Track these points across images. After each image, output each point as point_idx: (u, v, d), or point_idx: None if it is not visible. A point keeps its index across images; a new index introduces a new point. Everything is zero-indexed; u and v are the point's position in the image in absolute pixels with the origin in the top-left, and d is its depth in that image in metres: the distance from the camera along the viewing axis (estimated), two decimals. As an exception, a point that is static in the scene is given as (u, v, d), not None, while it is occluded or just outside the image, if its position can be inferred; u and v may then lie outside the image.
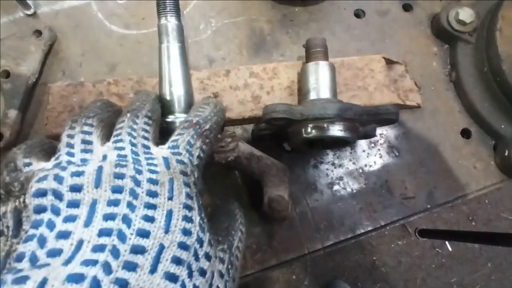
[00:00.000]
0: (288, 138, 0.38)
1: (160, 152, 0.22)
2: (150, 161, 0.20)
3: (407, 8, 0.52)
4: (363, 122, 0.34)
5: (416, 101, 0.46)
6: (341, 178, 0.43)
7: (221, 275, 0.19)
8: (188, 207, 0.19)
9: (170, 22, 0.33)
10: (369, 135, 0.40)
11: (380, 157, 0.45)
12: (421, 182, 0.44)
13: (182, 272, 0.16)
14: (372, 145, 0.45)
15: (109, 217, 0.17)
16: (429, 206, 0.44)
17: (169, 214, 0.18)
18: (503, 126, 0.45)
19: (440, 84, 0.48)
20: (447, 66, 0.49)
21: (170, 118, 0.33)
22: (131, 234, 0.16)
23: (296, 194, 0.42)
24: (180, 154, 0.22)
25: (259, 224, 0.41)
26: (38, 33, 0.45)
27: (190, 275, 0.17)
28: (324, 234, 0.41)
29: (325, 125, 0.33)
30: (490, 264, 1.68)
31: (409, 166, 0.45)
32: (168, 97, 0.33)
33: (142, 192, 0.18)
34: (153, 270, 0.16)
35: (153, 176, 0.19)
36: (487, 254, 1.69)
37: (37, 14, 0.47)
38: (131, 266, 0.15)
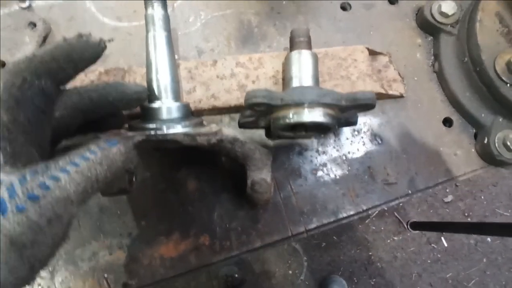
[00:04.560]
0: (270, 125, 0.40)
1: None
2: None
3: (392, 1, 0.53)
4: (342, 108, 0.35)
5: (399, 90, 0.47)
6: (324, 165, 0.45)
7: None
8: None
9: (157, 12, 0.34)
10: (351, 122, 0.42)
11: (363, 144, 0.46)
12: (403, 169, 0.46)
13: None
14: (356, 133, 0.46)
15: None
16: (410, 191, 0.45)
17: None
18: (483, 115, 0.46)
19: (423, 75, 0.50)
20: (430, 57, 0.51)
21: (157, 104, 0.35)
22: None
23: (281, 179, 0.44)
24: None
25: (244, 208, 0.43)
26: (33, 25, 0.46)
27: None
28: (307, 218, 0.43)
29: (305, 110, 0.34)
30: (486, 259, 1.69)
31: (391, 153, 0.46)
32: (154, 83, 0.35)
33: None
34: None
35: None
36: (483, 249, 1.70)
37: (32, 7, 0.48)
38: None
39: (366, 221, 1.66)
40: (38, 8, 0.48)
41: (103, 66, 0.46)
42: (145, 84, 0.35)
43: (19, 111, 0.22)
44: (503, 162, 0.45)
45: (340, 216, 0.43)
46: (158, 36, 0.34)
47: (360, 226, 1.66)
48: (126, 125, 0.35)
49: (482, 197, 1.78)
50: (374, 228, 1.67)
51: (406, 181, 0.45)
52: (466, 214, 1.75)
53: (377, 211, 1.66)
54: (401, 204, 1.69)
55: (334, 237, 1.62)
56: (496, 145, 0.44)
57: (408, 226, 1.58)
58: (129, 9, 0.49)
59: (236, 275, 1.42)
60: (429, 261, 1.66)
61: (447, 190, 1.76)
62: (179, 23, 0.48)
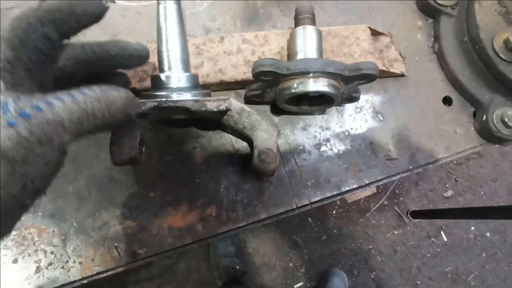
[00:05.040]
0: (276, 98, 0.41)
1: None
2: None
3: (394, -15, 0.55)
4: (345, 78, 0.37)
5: (400, 69, 0.49)
6: (328, 140, 0.46)
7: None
8: None
9: (167, -17, 0.36)
10: (354, 97, 0.43)
11: (366, 121, 0.47)
12: (404, 145, 0.47)
13: None
14: (358, 110, 0.48)
15: None
16: (411, 167, 0.46)
17: None
18: (481, 93, 0.48)
19: (424, 55, 0.51)
20: (431, 38, 0.52)
21: (167, 73, 0.36)
22: None
23: (286, 153, 0.45)
24: None
25: (250, 181, 0.44)
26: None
27: None
28: (311, 191, 0.44)
29: (310, 80, 0.36)
30: (485, 254, 1.70)
31: (392, 130, 0.47)
32: (165, 54, 0.36)
33: None
34: None
35: None
36: (482, 244, 1.71)
37: (43, -13, 0.50)
38: None
39: (367, 215, 1.68)
40: (49, -12, 0.50)
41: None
42: (156, 60, 0.36)
43: (22, 50, 0.24)
44: (501, 139, 0.46)
45: (343, 189, 0.44)
46: (169, 7, 0.36)
47: (360, 219, 1.67)
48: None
49: (482, 192, 1.79)
50: (374, 222, 1.68)
51: (407, 157, 0.46)
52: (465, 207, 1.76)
53: (377, 205, 1.67)
54: (401, 198, 1.70)
55: (334, 230, 1.64)
56: (495, 121, 0.45)
57: (409, 215, 1.59)
58: (138, -11, 0.50)
59: (237, 267, 1.43)
60: (428, 255, 1.67)
61: (447, 185, 1.77)
62: (186, 3, 0.50)
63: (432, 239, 1.69)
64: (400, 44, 0.51)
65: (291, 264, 1.58)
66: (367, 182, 0.45)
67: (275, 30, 0.50)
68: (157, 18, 0.36)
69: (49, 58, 0.27)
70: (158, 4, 0.36)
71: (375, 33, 0.49)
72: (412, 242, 1.68)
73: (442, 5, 0.50)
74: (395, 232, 1.69)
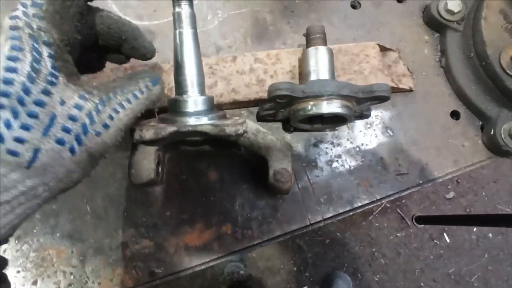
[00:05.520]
0: (289, 118, 0.42)
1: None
2: None
3: (400, -1, 0.56)
4: (358, 99, 0.37)
5: (408, 84, 0.49)
6: (339, 156, 0.47)
7: (73, 118, 0.22)
8: (13, 58, 0.21)
9: (184, 10, 0.36)
10: (365, 115, 0.44)
11: (376, 136, 0.48)
12: (413, 160, 0.48)
13: (5, 114, 0.20)
14: (368, 125, 0.49)
15: None
16: (421, 181, 0.47)
17: None
18: (489, 107, 0.48)
19: (431, 70, 0.52)
20: (437, 53, 0.53)
21: (184, 97, 0.37)
22: None
23: (298, 170, 0.46)
24: (16, 9, 0.22)
25: (264, 198, 0.45)
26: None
27: (15, 115, 0.20)
28: (324, 207, 0.45)
29: (324, 102, 0.37)
30: (487, 255, 1.72)
31: (402, 145, 0.48)
32: (182, 77, 0.37)
33: None
34: None
35: None
36: (484, 245, 1.72)
37: None
38: None
39: (369, 218, 1.68)
40: None
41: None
42: (171, 80, 0.37)
43: (64, 30, 0.24)
44: (509, 153, 0.47)
45: (355, 205, 0.45)
46: (185, 33, 0.36)
47: (363, 222, 1.68)
48: (157, 117, 0.37)
49: (483, 194, 1.80)
50: (377, 224, 1.69)
51: (417, 172, 0.47)
52: (467, 210, 1.77)
53: (380, 208, 1.68)
54: (403, 201, 1.71)
55: (337, 233, 1.64)
56: (502, 136, 0.46)
57: (414, 221, 1.60)
58: (149, 8, 0.51)
59: (242, 272, 1.43)
60: (431, 257, 1.68)
61: (449, 187, 1.78)
62: (197, 21, 0.49)
63: (435, 241, 1.71)
64: (407, 59, 0.52)
65: (295, 268, 1.59)
66: (378, 197, 0.46)
67: (285, 46, 0.51)
68: (174, 43, 0.37)
69: (81, 31, 0.27)
70: (175, 29, 0.37)
71: (383, 49, 0.50)
72: (415, 244, 1.69)
73: (448, 20, 0.51)
74: (398, 234, 1.70)
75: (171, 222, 0.43)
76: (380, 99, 0.37)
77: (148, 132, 0.33)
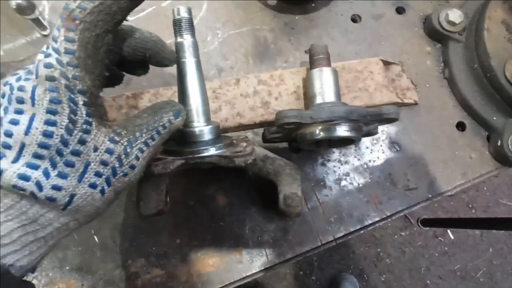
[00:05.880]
0: (296, 139, 0.42)
1: (39, 58, 0.23)
2: (27, 70, 0.23)
3: (400, 10, 0.55)
4: (366, 122, 0.37)
5: (413, 98, 0.49)
6: (347, 174, 0.47)
7: (104, 163, 0.24)
8: (52, 112, 0.21)
9: (186, 40, 0.36)
10: (372, 133, 0.43)
11: (383, 152, 0.48)
12: (421, 174, 0.48)
13: (44, 163, 0.21)
14: (375, 141, 0.48)
15: None
16: (430, 195, 0.47)
17: (32, 118, 0.21)
18: (495, 118, 0.48)
19: (434, 81, 0.52)
20: (440, 63, 0.53)
21: (191, 128, 0.36)
22: (1, 134, 0.21)
23: (307, 190, 0.45)
24: (49, 55, 0.22)
25: (274, 221, 0.44)
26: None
27: (53, 165, 0.22)
28: (335, 227, 0.45)
29: (333, 127, 0.36)
30: (492, 249, 1.72)
31: (409, 159, 0.48)
32: (187, 109, 0.36)
33: (15, 99, 0.22)
34: (16, 159, 0.21)
35: (23, 83, 0.22)
36: (488, 240, 1.73)
37: (53, 34, 0.49)
38: None
39: (373, 218, 1.69)
40: (59, 35, 0.50)
41: (127, 88, 0.48)
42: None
43: (96, 74, 0.24)
44: (517, 162, 0.47)
45: (366, 223, 0.45)
46: (188, 63, 0.36)
47: (367, 223, 1.68)
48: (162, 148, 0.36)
49: (485, 188, 1.81)
50: (381, 224, 1.69)
51: (426, 186, 0.47)
52: (470, 206, 1.78)
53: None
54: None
55: (342, 236, 1.64)
56: (510, 147, 0.46)
57: (419, 224, 1.60)
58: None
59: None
60: (436, 254, 1.69)
61: (450, 183, 1.79)
62: (197, 43, 0.50)
63: (439, 238, 1.71)
64: (411, 71, 0.51)
65: (301, 272, 1.59)
66: (388, 214, 0.46)
67: (287, 65, 0.50)
68: (177, 73, 0.36)
69: (109, 65, 0.27)
70: (179, 59, 0.36)
71: (386, 63, 0.49)
72: (420, 243, 1.70)
73: (450, 31, 0.51)
74: (402, 233, 1.70)
75: (181, 249, 0.43)
76: (388, 121, 0.37)
77: (157, 167, 0.33)
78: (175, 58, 0.34)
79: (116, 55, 0.29)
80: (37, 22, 0.48)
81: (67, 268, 0.42)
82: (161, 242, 0.43)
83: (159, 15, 0.52)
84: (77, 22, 0.22)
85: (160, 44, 0.31)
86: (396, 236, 1.69)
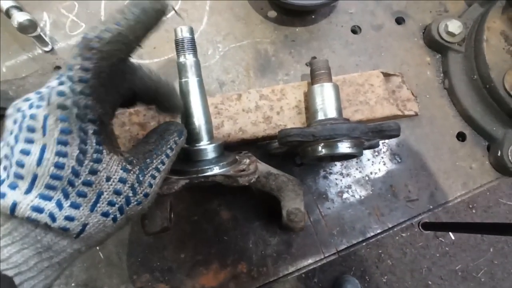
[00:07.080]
0: (298, 154, 0.42)
1: (52, 85, 0.22)
2: (39, 95, 0.22)
3: (399, 21, 0.56)
4: (368, 138, 0.37)
5: (413, 109, 0.50)
6: (349, 186, 0.47)
7: (118, 192, 0.24)
8: (63, 143, 0.21)
9: (188, 59, 0.36)
10: (373, 146, 0.44)
11: (384, 164, 0.48)
12: (423, 185, 0.48)
13: (56, 194, 0.22)
14: (376, 153, 0.49)
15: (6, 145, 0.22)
16: (431, 206, 0.47)
17: (43, 149, 0.21)
18: (494, 128, 0.49)
19: (434, 92, 0.52)
20: (440, 74, 0.53)
21: (195, 147, 0.37)
22: (13, 163, 0.21)
23: (309, 204, 0.46)
24: (63, 83, 0.22)
25: (277, 235, 0.45)
26: (59, 69, 0.48)
27: (66, 196, 0.22)
28: (337, 239, 0.45)
29: (335, 144, 0.37)
30: (492, 249, 1.73)
31: (411, 170, 0.48)
32: (190, 127, 0.36)
33: (26, 127, 0.22)
34: (28, 190, 0.21)
35: (34, 111, 0.22)
36: (489, 240, 1.74)
37: (54, 50, 0.50)
38: (12, 186, 0.21)
39: (374, 220, 1.69)
40: (60, 51, 0.50)
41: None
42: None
43: (108, 102, 0.25)
44: (517, 172, 0.47)
45: (368, 235, 0.45)
46: (191, 82, 0.36)
47: (368, 225, 1.68)
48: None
49: (485, 188, 1.81)
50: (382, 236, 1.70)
51: (427, 197, 0.48)
52: (470, 206, 1.79)
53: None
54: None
55: (344, 237, 1.65)
56: (510, 157, 0.46)
57: (420, 227, 1.61)
58: (149, 46, 0.50)
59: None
60: (437, 255, 1.69)
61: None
62: (198, 56, 0.50)
63: (440, 238, 1.72)
64: (411, 82, 0.52)
65: (303, 275, 1.59)
66: (390, 225, 0.46)
67: (288, 77, 0.51)
68: (180, 92, 0.37)
69: (122, 96, 0.27)
70: (180, 78, 0.37)
71: (386, 75, 0.50)
72: (421, 243, 1.70)
73: (449, 42, 0.51)
74: (403, 234, 1.71)
75: (186, 264, 0.43)
76: (390, 137, 0.37)
77: (161, 188, 0.33)
78: (181, 107, 0.34)
79: (129, 92, 0.28)
80: (39, 39, 0.49)
81: (73, 284, 0.42)
82: (165, 257, 0.43)
83: (160, 29, 0.52)
84: (94, 51, 0.22)
85: (172, 92, 0.31)
86: (397, 237, 1.70)
